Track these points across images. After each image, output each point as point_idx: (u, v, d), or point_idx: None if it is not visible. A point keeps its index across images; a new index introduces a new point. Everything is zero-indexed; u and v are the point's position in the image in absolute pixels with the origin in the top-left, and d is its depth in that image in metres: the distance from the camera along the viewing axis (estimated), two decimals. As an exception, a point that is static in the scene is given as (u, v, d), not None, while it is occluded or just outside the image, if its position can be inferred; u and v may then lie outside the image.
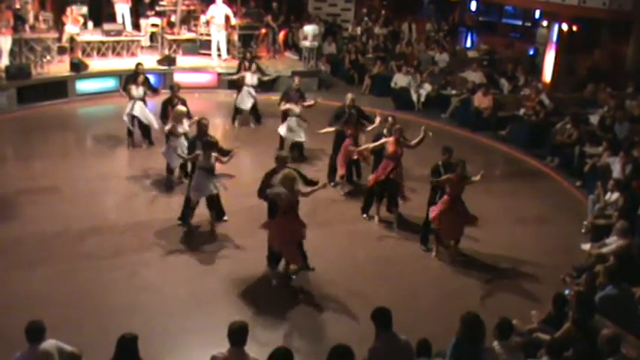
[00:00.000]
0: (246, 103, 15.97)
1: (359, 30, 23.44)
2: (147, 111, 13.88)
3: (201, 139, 10.72)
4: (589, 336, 6.86)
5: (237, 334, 6.10)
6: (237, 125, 16.22)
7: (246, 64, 16.23)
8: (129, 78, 14.30)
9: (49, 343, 6.15)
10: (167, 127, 12.25)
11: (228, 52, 20.29)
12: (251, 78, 15.88)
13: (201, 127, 10.97)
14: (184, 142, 11.94)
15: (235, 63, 18.27)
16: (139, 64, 14.42)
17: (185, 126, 12.09)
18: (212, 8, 19.59)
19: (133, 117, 13.87)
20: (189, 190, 10.71)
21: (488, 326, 6.45)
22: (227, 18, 19.73)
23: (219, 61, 19.82)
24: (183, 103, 12.89)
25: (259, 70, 16.41)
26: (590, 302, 7.46)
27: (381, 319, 6.33)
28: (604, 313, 7.49)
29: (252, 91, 15.89)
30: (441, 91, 19.06)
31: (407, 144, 11.30)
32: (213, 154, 10.44)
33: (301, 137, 13.87)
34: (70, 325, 7.70)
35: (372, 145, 11.38)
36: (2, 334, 7.78)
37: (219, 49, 19.95)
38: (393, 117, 11.96)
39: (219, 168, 10.90)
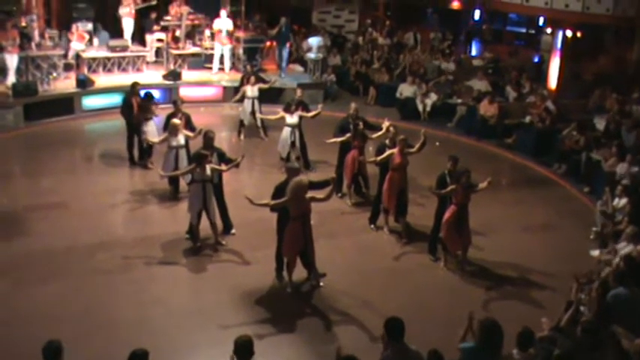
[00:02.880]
0: (247, 117, 16.04)
1: (361, 40, 23.48)
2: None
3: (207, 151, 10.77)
4: (599, 344, 6.82)
5: (243, 349, 6.12)
6: (242, 138, 16.24)
7: (247, 78, 16.31)
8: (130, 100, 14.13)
9: None
10: (159, 139, 12.61)
11: (233, 65, 20.38)
12: (251, 90, 15.91)
13: (208, 139, 11.01)
14: (184, 155, 12.17)
15: (237, 75, 18.41)
16: (135, 83, 14.34)
17: (180, 139, 12.17)
18: (217, 22, 19.68)
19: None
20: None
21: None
22: (230, 32, 19.79)
23: (220, 75, 19.83)
24: (188, 117, 12.96)
25: (259, 79, 16.41)
26: (610, 311, 7.44)
27: (394, 329, 6.30)
28: (612, 313, 7.47)
29: (256, 103, 15.93)
30: (447, 100, 19.07)
31: (410, 152, 11.31)
32: (208, 166, 10.46)
33: (286, 150, 13.87)
34: (80, 340, 7.70)
35: (379, 158, 11.36)
36: (13, 348, 7.82)
37: (222, 63, 19.99)
38: (394, 127, 11.96)
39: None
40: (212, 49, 20.27)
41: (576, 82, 20.44)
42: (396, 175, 11.25)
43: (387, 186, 11.33)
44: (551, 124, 16.21)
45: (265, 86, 16.47)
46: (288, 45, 20.68)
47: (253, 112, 15.94)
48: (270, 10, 23.24)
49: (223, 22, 19.62)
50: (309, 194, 9.17)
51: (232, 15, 20.60)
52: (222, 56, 19.95)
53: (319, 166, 14.31)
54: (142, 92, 14.40)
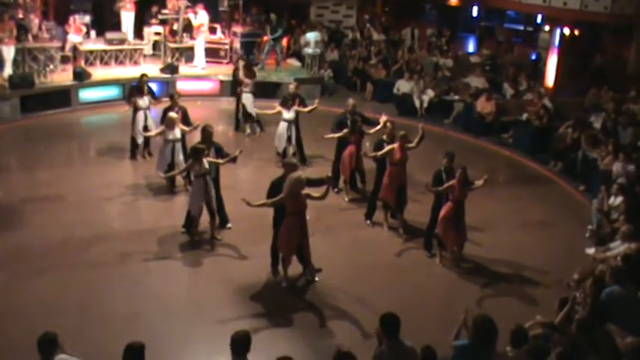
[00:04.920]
0: (252, 108, 15.96)
1: (359, 36, 23.46)
2: (151, 121, 13.97)
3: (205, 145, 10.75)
4: (593, 342, 6.84)
5: (241, 344, 6.12)
6: (248, 131, 16.17)
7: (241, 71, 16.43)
8: (133, 89, 14.30)
9: (60, 359, 6.11)
10: (155, 132, 12.66)
11: (231, 59, 20.39)
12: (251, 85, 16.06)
13: (207, 134, 10.99)
14: (180, 149, 12.26)
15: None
16: (144, 75, 14.47)
17: (176, 132, 12.18)
18: (198, 17, 19.70)
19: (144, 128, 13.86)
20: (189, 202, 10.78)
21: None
22: (196, 26, 19.78)
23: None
24: (184, 111, 12.95)
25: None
26: (605, 309, 7.45)
27: (390, 325, 6.32)
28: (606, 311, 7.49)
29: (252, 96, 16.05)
30: (444, 97, 19.07)
31: (409, 147, 11.32)
32: (205, 160, 10.45)
33: (282, 145, 13.85)
34: (75, 333, 7.68)
35: (379, 153, 11.37)
36: (8, 342, 7.82)
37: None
38: (392, 122, 11.97)
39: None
40: (210, 42, 20.34)
41: (574, 80, 20.43)
42: (395, 171, 11.27)
43: (387, 181, 11.35)
44: (547, 122, 16.23)
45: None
46: (285, 39, 20.68)
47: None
48: (268, 4, 23.17)
49: (199, 17, 19.63)
50: (306, 191, 9.18)
51: (230, 9, 20.63)
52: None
53: (315, 161, 14.31)
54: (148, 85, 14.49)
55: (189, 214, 10.75)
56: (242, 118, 16.13)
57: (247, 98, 15.86)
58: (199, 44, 19.72)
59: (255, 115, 15.92)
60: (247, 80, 15.89)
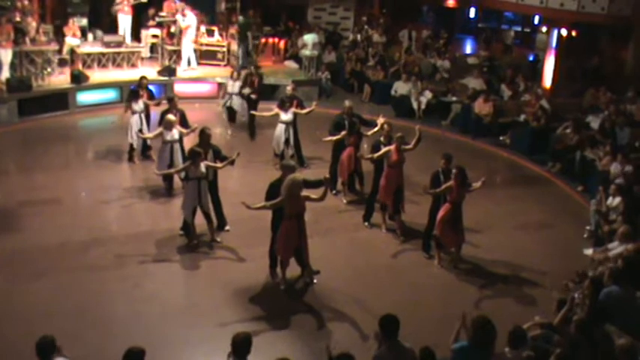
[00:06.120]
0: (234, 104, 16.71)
1: (359, 37, 23.46)
2: (145, 125, 13.97)
3: (202, 148, 10.73)
4: (592, 342, 6.84)
5: (242, 346, 6.12)
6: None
7: (235, 74, 16.83)
8: (130, 93, 14.30)
9: None
10: (153, 134, 12.69)
11: (228, 62, 20.38)
12: (232, 86, 16.57)
13: (205, 136, 10.97)
14: (179, 149, 12.25)
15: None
16: (143, 77, 14.58)
17: (174, 134, 12.18)
18: (186, 20, 19.70)
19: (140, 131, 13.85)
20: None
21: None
22: (182, 28, 19.78)
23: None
24: (182, 114, 12.96)
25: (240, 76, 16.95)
26: (603, 309, 7.45)
27: (389, 326, 6.33)
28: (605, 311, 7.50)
29: (237, 99, 16.47)
30: (442, 98, 19.07)
31: (406, 149, 11.32)
32: (203, 164, 10.44)
33: (280, 147, 13.87)
34: (73, 337, 7.66)
35: (376, 155, 11.37)
36: (6, 344, 7.81)
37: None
38: (389, 124, 11.97)
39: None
40: (208, 45, 20.37)
41: (572, 81, 20.46)
42: (392, 172, 11.28)
43: (385, 183, 11.36)
44: (545, 123, 16.24)
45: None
46: (283, 41, 20.68)
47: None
48: (265, 6, 23.18)
49: (187, 19, 19.66)
50: (304, 193, 9.16)
51: (227, 11, 20.60)
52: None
53: (313, 162, 14.31)
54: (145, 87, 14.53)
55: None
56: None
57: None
58: (186, 46, 19.70)
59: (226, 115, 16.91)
60: (231, 82, 16.68)
